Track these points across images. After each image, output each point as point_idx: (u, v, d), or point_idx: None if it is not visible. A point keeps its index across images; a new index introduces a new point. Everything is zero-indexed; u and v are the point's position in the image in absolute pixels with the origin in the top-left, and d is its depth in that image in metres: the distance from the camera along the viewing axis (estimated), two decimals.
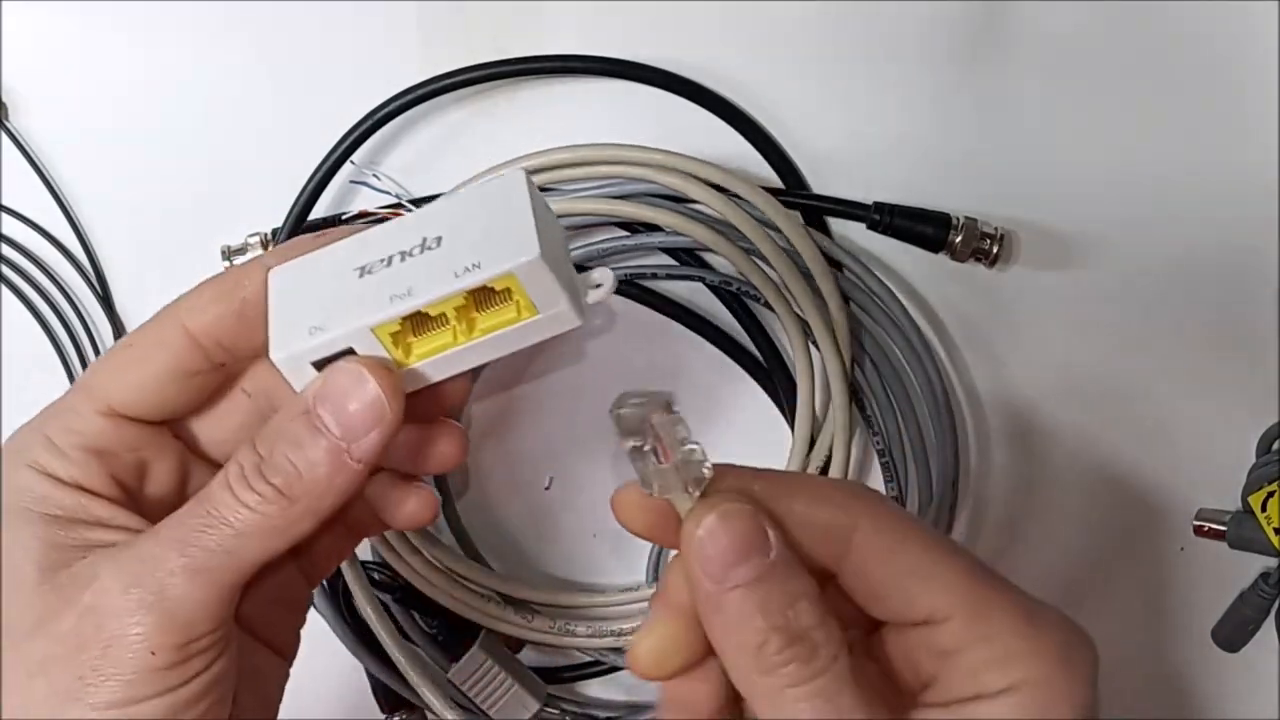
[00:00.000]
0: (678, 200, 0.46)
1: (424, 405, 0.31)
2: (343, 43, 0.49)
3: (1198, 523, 0.45)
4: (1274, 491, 0.43)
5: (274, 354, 0.29)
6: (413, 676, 0.47)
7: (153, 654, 0.27)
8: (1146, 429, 0.48)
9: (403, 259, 0.29)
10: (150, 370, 0.30)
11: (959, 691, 0.26)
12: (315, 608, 0.47)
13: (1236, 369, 0.47)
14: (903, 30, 0.46)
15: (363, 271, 0.29)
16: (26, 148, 0.50)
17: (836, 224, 0.48)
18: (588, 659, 0.51)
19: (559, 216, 0.45)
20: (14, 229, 0.51)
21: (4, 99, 0.50)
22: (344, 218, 0.48)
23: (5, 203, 0.51)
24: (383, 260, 0.29)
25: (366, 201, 0.49)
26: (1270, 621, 0.45)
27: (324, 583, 0.48)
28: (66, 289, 0.51)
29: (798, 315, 0.46)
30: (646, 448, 0.27)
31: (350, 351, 0.29)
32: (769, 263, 0.46)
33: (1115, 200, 0.47)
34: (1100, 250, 0.47)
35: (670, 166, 0.46)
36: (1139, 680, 0.48)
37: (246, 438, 0.31)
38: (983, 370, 0.48)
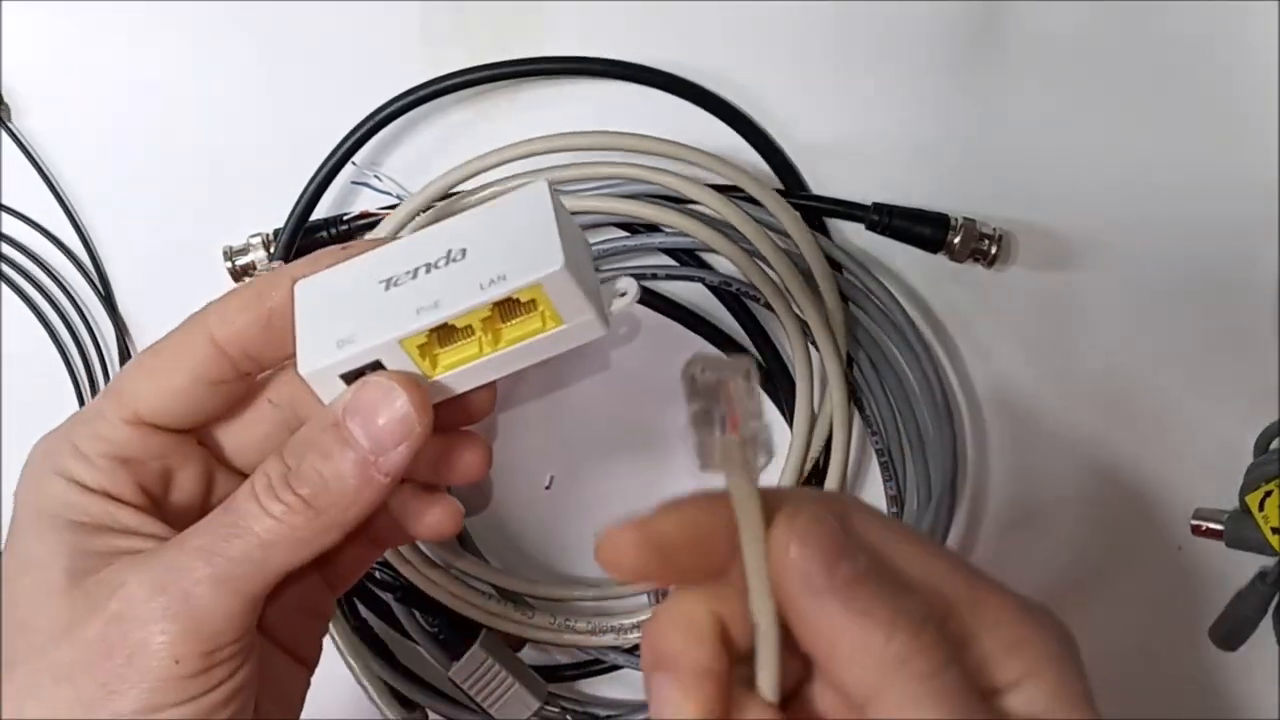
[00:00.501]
0: (678, 201, 0.46)
1: (448, 416, 0.31)
2: (344, 43, 0.49)
3: (1195, 522, 0.45)
4: (1271, 491, 0.43)
5: (302, 368, 0.29)
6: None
7: (177, 662, 0.28)
8: (1145, 428, 0.48)
9: (428, 271, 0.29)
10: (177, 379, 0.30)
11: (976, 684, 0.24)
12: None
13: (1235, 368, 0.47)
14: (902, 31, 0.46)
15: (389, 284, 0.29)
16: (28, 148, 0.50)
17: (835, 224, 0.48)
18: (588, 657, 0.51)
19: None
20: (15, 229, 0.51)
21: (4, 99, 0.50)
22: (345, 218, 0.48)
23: (6, 203, 0.51)
24: (408, 273, 0.29)
25: (368, 202, 0.49)
26: (1268, 620, 0.45)
27: None
28: (68, 289, 0.51)
29: (797, 315, 0.46)
30: (716, 415, 0.24)
31: (378, 364, 0.29)
32: (768, 262, 0.46)
33: (1114, 200, 0.47)
34: (1099, 250, 0.47)
35: (678, 157, 0.46)
36: (1137, 679, 0.49)
37: (271, 448, 0.31)
38: (981, 370, 0.48)
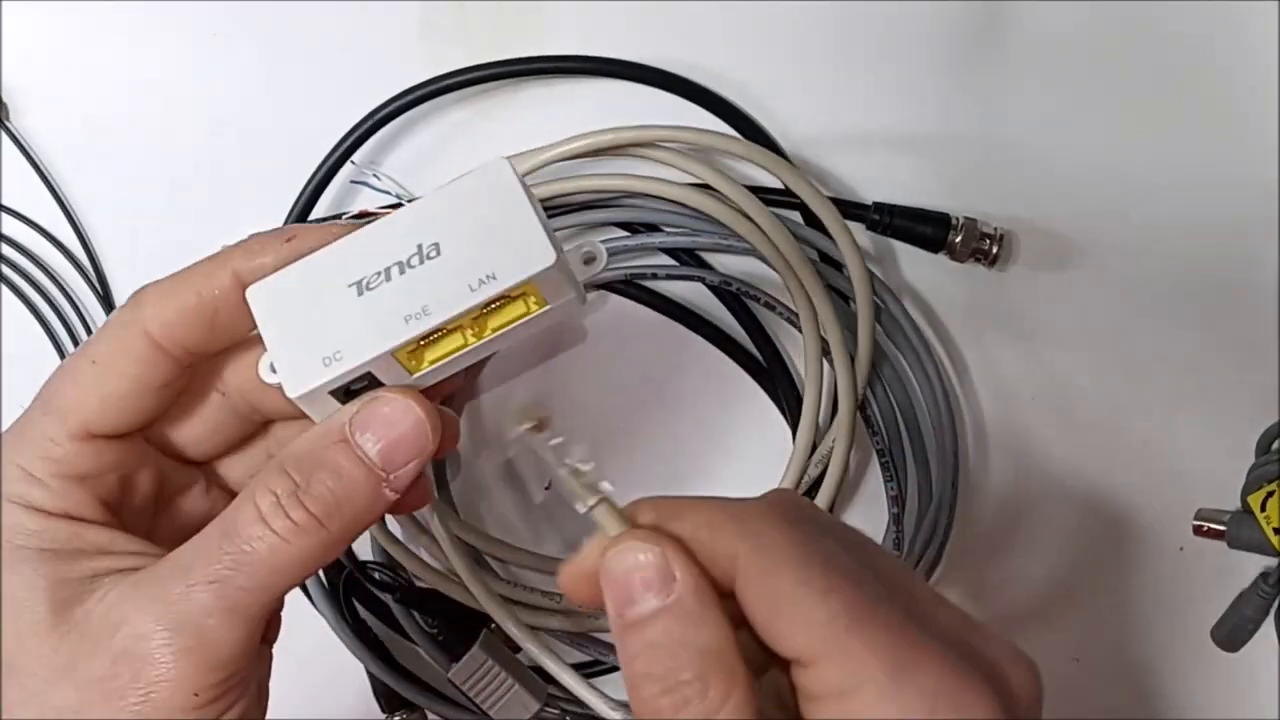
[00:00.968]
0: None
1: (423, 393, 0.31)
2: (343, 43, 0.49)
3: (1197, 522, 0.45)
4: (1273, 491, 0.43)
5: (291, 393, 0.28)
6: None
7: (196, 694, 0.27)
8: (1146, 428, 0.48)
9: (402, 271, 0.28)
10: (119, 386, 0.29)
11: None
12: (315, 608, 0.47)
13: (1236, 368, 0.47)
14: (903, 30, 0.46)
15: (360, 288, 0.28)
16: (26, 148, 0.50)
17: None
18: (588, 658, 0.51)
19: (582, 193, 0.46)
20: (14, 229, 0.51)
21: (4, 99, 0.50)
22: (344, 218, 0.48)
23: (5, 203, 0.51)
24: (379, 273, 0.28)
25: (367, 201, 0.49)
26: (1270, 621, 0.45)
27: (325, 583, 0.48)
28: (67, 289, 0.51)
29: (818, 332, 0.45)
30: (559, 472, 0.27)
31: (369, 374, 0.28)
32: (795, 272, 0.45)
33: (1115, 201, 0.47)
34: (1099, 250, 0.47)
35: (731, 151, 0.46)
36: (1138, 679, 0.49)
37: (223, 437, 0.31)
38: (982, 370, 0.48)
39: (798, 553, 0.25)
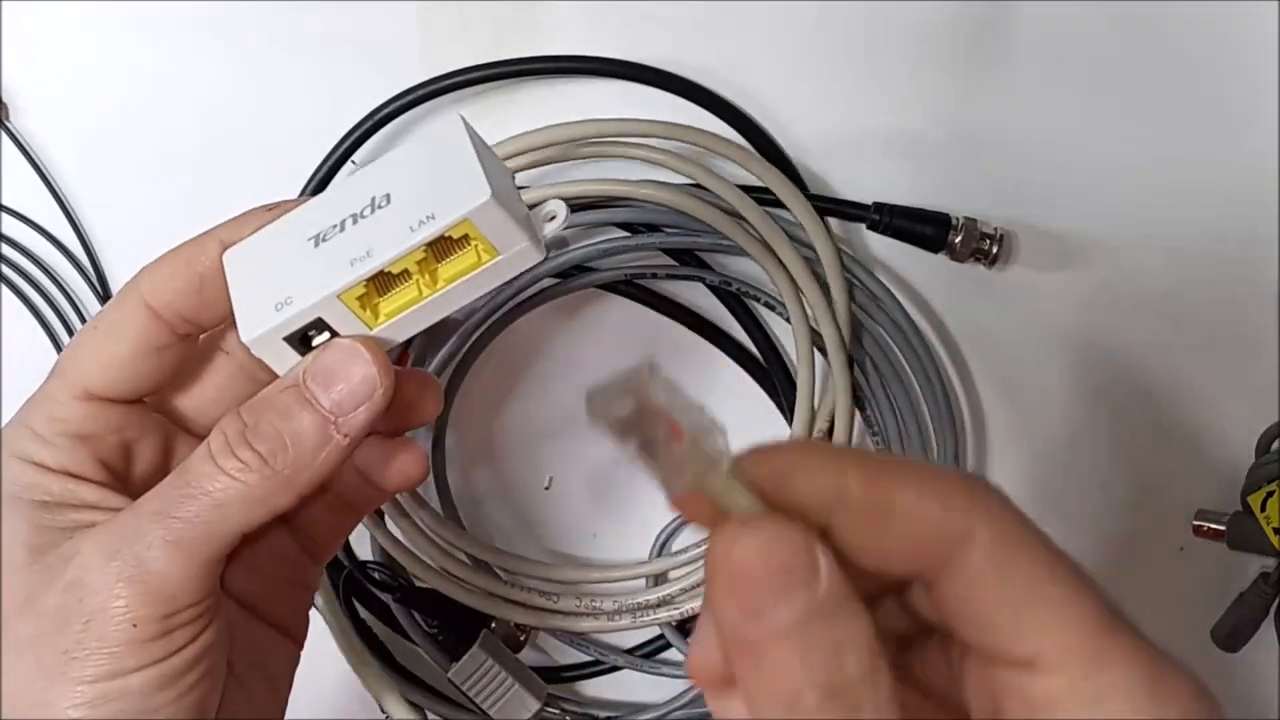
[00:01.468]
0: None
1: (394, 418, 0.31)
2: (343, 43, 0.49)
3: (1197, 523, 0.45)
4: (1273, 491, 0.43)
5: (244, 336, 0.29)
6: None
7: (135, 626, 0.28)
8: (1146, 428, 0.48)
9: (355, 222, 0.29)
10: (119, 349, 0.30)
11: None
12: (315, 607, 0.47)
13: (1236, 368, 0.47)
14: (902, 30, 0.46)
15: (318, 240, 0.29)
16: (26, 148, 0.50)
17: (836, 224, 0.48)
18: (589, 658, 0.51)
19: (582, 197, 0.46)
20: (14, 229, 0.51)
21: (4, 99, 0.50)
22: None
23: (5, 203, 0.51)
24: (335, 226, 0.29)
25: None
26: (1270, 621, 0.45)
27: (325, 583, 0.48)
28: (67, 289, 0.51)
29: (809, 323, 0.46)
30: (656, 436, 0.22)
31: (321, 322, 0.29)
32: (784, 264, 0.45)
33: (1115, 200, 0.47)
34: (1099, 250, 0.47)
35: (708, 148, 0.46)
36: None
37: (230, 398, 0.31)
38: (982, 370, 0.48)
39: (1044, 542, 0.22)
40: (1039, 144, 0.47)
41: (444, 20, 0.48)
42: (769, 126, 0.47)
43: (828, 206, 0.47)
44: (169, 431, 0.32)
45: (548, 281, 0.48)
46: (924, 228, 0.46)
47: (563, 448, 0.50)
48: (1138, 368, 0.47)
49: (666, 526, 0.49)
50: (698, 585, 0.47)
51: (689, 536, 0.49)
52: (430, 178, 0.29)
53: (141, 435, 0.31)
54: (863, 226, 0.47)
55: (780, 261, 0.45)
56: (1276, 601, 0.45)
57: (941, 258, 0.46)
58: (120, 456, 0.31)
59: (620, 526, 0.50)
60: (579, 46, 0.47)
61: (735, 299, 0.48)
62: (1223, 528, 0.45)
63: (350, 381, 0.29)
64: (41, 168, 0.50)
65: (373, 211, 0.29)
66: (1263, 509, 0.44)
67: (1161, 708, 0.21)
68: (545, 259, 0.30)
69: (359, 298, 0.29)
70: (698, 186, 0.46)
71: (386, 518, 0.48)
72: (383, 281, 0.29)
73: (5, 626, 0.28)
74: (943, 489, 0.22)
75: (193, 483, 0.28)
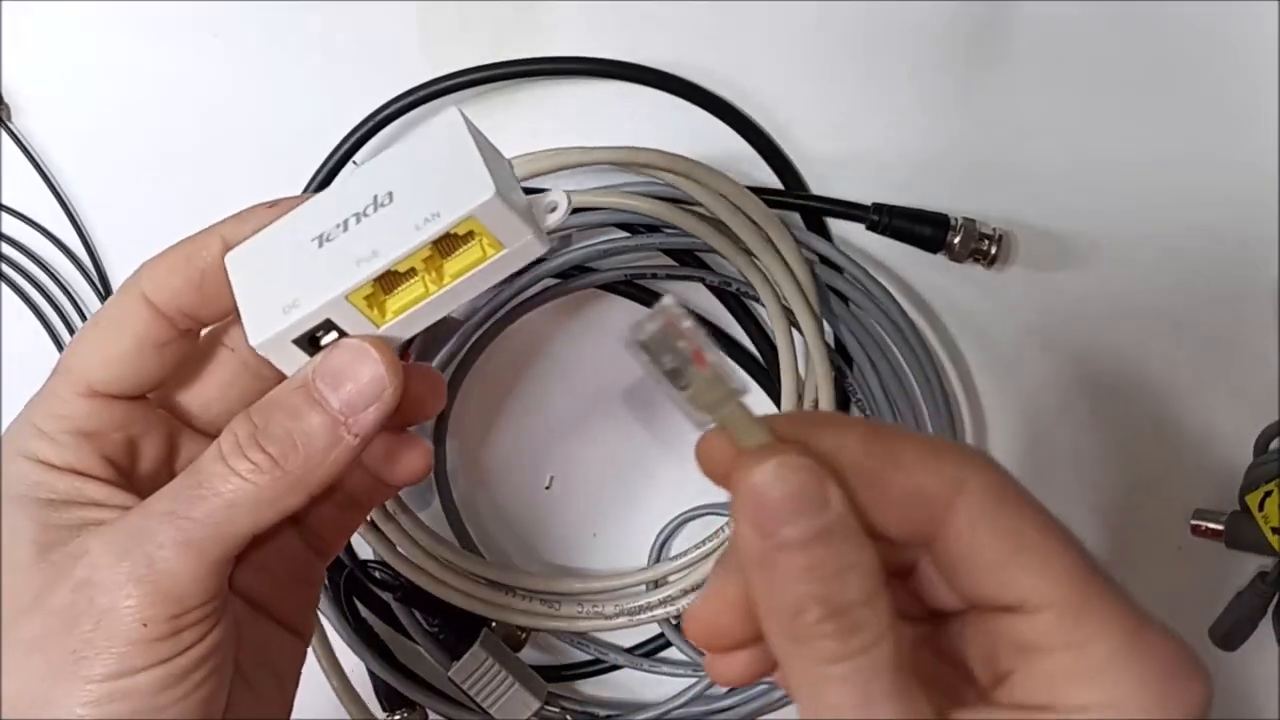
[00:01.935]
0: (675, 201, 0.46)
1: (398, 415, 0.31)
2: (343, 43, 0.49)
3: (1195, 522, 0.45)
4: (1271, 491, 0.43)
5: (253, 340, 0.29)
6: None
7: (144, 626, 0.28)
8: (1144, 428, 0.48)
9: (358, 221, 0.29)
10: (120, 345, 0.30)
11: (1031, 696, 0.23)
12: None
13: (1235, 368, 0.47)
14: (902, 31, 0.46)
15: (321, 240, 0.29)
16: (27, 148, 0.50)
17: (835, 225, 0.48)
18: (589, 657, 0.51)
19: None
20: (15, 229, 0.51)
21: (4, 99, 0.50)
22: None
23: (6, 202, 0.51)
24: (339, 225, 0.29)
25: None
26: (1267, 620, 0.45)
27: (326, 583, 0.48)
28: (68, 288, 0.51)
29: (780, 302, 0.46)
30: (684, 362, 0.23)
31: (329, 323, 0.29)
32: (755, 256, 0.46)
33: (1114, 200, 0.47)
34: (1098, 250, 0.47)
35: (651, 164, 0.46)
36: None
37: (234, 396, 0.31)
38: (981, 370, 0.48)
39: (1031, 498, 0.24)
40: (1039, 144, 0.47)
41: (444, 20, 0.48)
42: (769, 127, 0.47)
43: (828, 207, 0.47)
44: (173, 428, 0.32)
45: (548, 281, 0.48)
46: (923, 228, 0.46)
47: (563, 447, 0.50)
48: (1136, 368, 0.47)
49: (666, 527, 0.49)
50: (698, 586, 0.47)
51: (689, 538, 0.49)
52: (433, 174, 0.29)
53: (146, 431, 0.31)
54: (862, 227, 0.47)
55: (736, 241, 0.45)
56: (1274, 600, 0.45)
57: (940, 258, 0.47)
58: (125, 453, 0.31)
59: (621, 526, 0.50)
60: (579, 47, 0.47)
61: (735, 299, 0.48)
62: (1221, 527, 0.45)
63: (359, 381, 0.29)
64: (42, 167, 0.50)
65: (376, 210, 0.29)
66: (1261, 508, 0.44)
67: (1140, 651, 0.23)
68: (548, 253, 0.30)
69: (366, 297, 0.29)
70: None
71: (388, 529, 0.48)
72: (389, 280, 0.29)
73: (12, 625, 0.28)
74: (937, 446, 0.25)
75: (204, 483, 0.28)
